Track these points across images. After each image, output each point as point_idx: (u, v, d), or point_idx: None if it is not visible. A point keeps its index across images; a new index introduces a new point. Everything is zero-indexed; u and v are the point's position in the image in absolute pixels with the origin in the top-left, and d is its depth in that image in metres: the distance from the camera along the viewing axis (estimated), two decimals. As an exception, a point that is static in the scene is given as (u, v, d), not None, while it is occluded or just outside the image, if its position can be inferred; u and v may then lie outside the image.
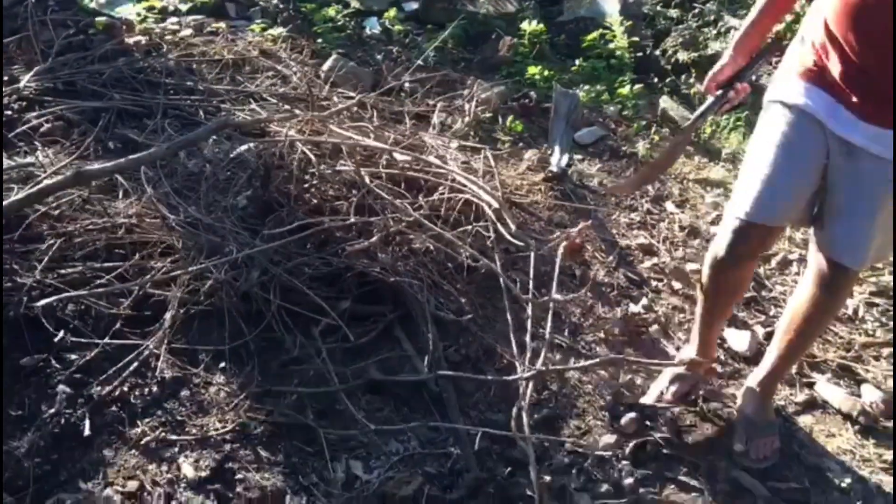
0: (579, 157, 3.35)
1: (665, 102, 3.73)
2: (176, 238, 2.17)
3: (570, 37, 4.25)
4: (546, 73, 3.82)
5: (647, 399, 2.12)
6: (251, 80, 3.26)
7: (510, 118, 3.46)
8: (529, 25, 4.04)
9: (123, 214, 2.24)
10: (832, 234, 1.76)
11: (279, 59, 3.48)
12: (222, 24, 3.70)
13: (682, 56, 3.99)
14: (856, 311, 2.57)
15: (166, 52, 3.33)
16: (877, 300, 2.64)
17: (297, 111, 2.77)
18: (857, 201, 1.69)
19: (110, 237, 2.18)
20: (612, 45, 3.99)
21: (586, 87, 3.84)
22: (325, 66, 3.48)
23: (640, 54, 4.04)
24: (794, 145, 1.72)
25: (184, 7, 3.91)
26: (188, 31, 3.60)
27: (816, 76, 1.68)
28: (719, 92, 1.95)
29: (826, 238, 1.78)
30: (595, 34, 4.04)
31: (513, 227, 2.35)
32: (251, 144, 2.52)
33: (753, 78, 1.90)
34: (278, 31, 3.73)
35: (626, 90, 3.76)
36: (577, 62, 4.02)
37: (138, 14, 3.63)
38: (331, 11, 3.94)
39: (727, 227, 1.85)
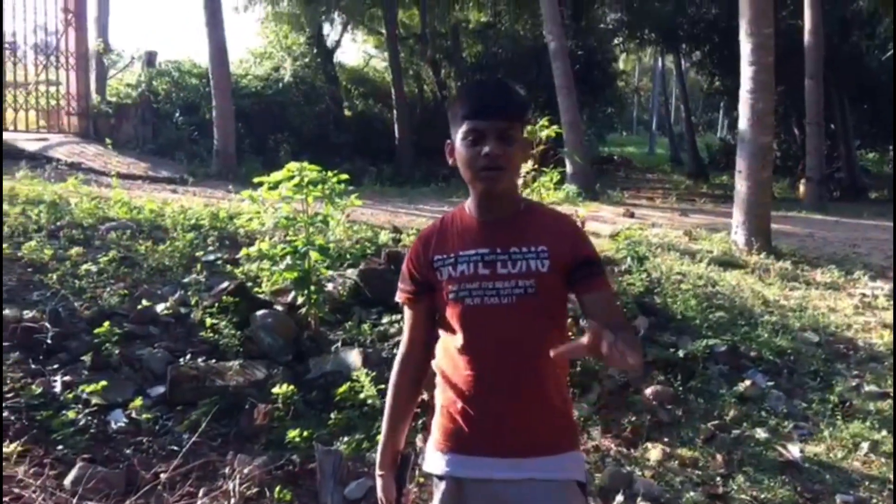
0: (353, 513, 3.39)
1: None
2: None
3: (321, 391, 4.47)
4: (305, 433, 3.92)
5: None
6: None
7: (277, 489, 3.45)
8: (281, 388, 4.20)
9: None
10: None
11: (16, 480, 3.21)
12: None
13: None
14: None
15: None
16: None
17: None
18: None
19: None
20: (362, 395, 4.26)
21: (346, 438, 4.00)
22: (69, 479, 3.27)
23: (388, 398, 4.36)
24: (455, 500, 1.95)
25: None
26: None
27: (448, 443, 1.95)
28: None
29: None
30: (345, 387, 4.30)
31: None
32: None
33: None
34: (11, 447, 3.47)
35: (383, 436, 3.96)
36: (332, 416, 4.20)
37: None
38: (70, 414, 3.77)
39: None
